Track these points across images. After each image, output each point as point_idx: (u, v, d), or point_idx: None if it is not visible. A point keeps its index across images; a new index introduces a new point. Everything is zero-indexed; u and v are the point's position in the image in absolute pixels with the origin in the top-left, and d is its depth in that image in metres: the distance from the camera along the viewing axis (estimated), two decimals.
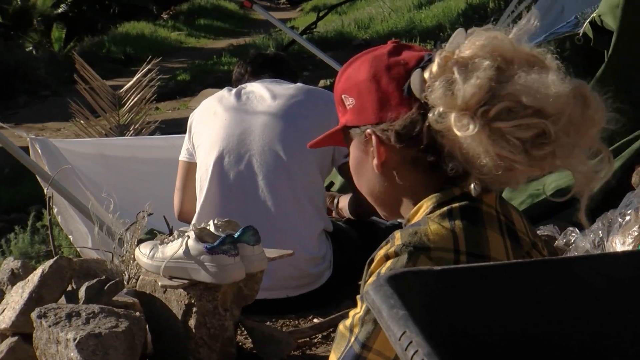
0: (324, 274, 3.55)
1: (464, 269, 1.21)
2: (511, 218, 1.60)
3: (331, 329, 3.23)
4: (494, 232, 1.55)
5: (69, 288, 2.89)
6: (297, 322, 3.40)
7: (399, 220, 3.74)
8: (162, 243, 2.85)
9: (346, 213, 3.80)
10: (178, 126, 7.74)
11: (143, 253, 2.87)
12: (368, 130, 1.59)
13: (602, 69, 3.97)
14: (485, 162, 1.48)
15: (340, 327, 1.53)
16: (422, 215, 1.57)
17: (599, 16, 4.18)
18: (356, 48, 13.15)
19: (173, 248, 2.78)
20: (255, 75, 3.77)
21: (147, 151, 4.86)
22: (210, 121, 3.57)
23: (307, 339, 3.21)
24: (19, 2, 17.37)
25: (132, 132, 7.18)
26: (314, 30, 15.46)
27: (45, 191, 3.94)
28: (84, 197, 4.12)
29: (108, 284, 2.82)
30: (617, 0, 4.08)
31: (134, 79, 7.67)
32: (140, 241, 3.03)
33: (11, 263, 3.10)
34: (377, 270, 1.52)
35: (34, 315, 2.67)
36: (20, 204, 7.78)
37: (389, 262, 1.50)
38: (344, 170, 3.50)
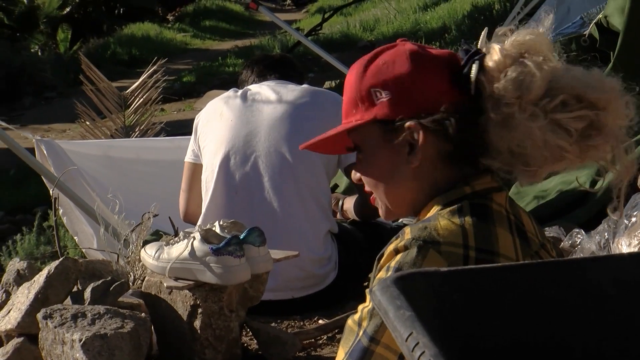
0: (330, 275, 3.55)
1: (471, 270, 1.21)
2: (521, 218, 1.61)
3: (336, 330, 3.23)
4: (504, 229, 1.56)
5: (75, 289, 2.89)
6: (302, 323, 3.40)
7: (404, 221, 3.74)
8: (167, 244, 2.85)
9: (351, 214, 3.80)
10: (183, 127, 7.74)
11: (148, 254, 2.87)
12: (410, 123, 1.58)
13: (608, 69, 3.96)
14: (539, 154, 1.53)
15: (349, 321, 1.54)
16: (433, 212, 1.58)
17: (605, 17, 4.17)
18: (361, 49, 13.14)
19: (179, 249, 2.78)
20: (262, 77, 3.77)
21: (152, 152, 4.86)
22: (216, 122, 3.57)
23: (313, 340, 3.21)
24: (25, 4, 17.39)
25: (137, 133, 7.18)
26: (320, 31, 15.46)
27: (50, 192, 3.94)
28: (89, 198, 4.12)
29: (113, 285, 2.82)
30: (623, 1, 4.08)
31: (140, 80, 7.67)
32: (145, 242, 3.03)
33: (17, 264, 3.10)
34: (387, 265, 1.53)
35: (39, 316, 2.68)
36: (26, 205, 7.78)
37: (398, 256, 1.51)
38: (350, 171, 3.50)
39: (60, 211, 4.21)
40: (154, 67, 7.61)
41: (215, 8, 21.98)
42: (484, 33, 1.62)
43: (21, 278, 3.03)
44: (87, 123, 7.21)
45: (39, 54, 16.20)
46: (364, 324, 1.50)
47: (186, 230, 2.92)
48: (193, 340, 2.79)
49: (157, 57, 7.95)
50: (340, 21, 17.13)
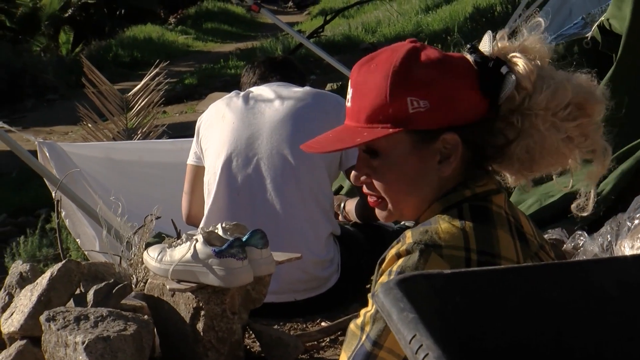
0: (332, 277, 3.55)
1: (473, 272, 1.21)
2: (519, 220, 1.62)
3: (339, 333, 3.23)
4: (504, 232, 1.56)
5: (78, 291, 2.89)
6: (304, 325, 3.40)
7: (406, 223, 3.74)
8: (170, 246, 2.85)
9: (353, 217, 3.79)
10: (185, 130, 7.75)
11: (151, 256, 2.87)
12: (450, 135, 1.57)
13: (611, 72, 3.97)
14: (545, 161, 1.59)
15: (351, 326, 1.54)
16: (433, 215, 1.58)
17: (607, 20, 4.17)
18: (363, 52, 13.14)
19: (181, 251, 2.78)
20: (264, 79, 3.77)
21: (155, 155, 4.86)
22: (218, 125, 3.57)
23: (315, 342, 3.21)
24: (29, 5, 17.40)
25: (139, 135, 7.19)
26: (321, 33, 15.46)
27: (53, 195, 3.94)
28: (91, 200, 4.12)
29: (116, 288, 2.82)
30: (625, 4, 4.08)
31: (142, 82, 7.68)
32: (148, 245, 3.03)
33: (20, 266, 3.10)
34: (389, 269, 1.53)
35: (42, 318, 2.68)
36: (28, 207, 7.79)
37: (400, 260, 1.51)
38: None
39: (63, 213, 4.21)
40: (156, 70, 7.62)
41: (217, 10, 21.99)
42: (487, 36, 1.63)
43: (24, 280, 3.03)
44: (89, 125, 7.21)
45: (41, 56, 16.21)
46: (367, 328, 1.50)
47: (189, 232, 2.92)
48: (195, 342, 2.79)
49: (159, 60, 7.96)
50: (342, 23, 17.13)
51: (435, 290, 1.06)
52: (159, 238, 3.58)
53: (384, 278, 1.54)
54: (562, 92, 1.57)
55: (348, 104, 1.64)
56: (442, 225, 1.54)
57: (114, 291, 2.82)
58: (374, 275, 1.60)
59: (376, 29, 16.02)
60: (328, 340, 3.23)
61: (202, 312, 2.78)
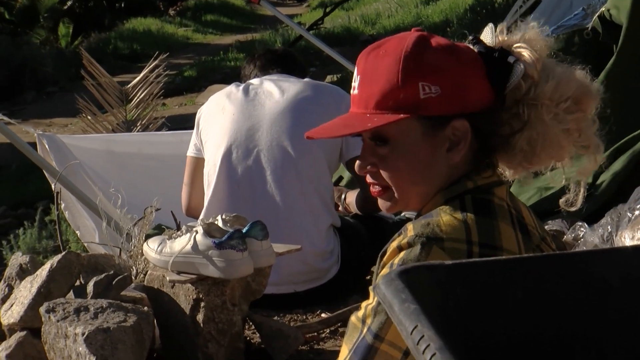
0: (332, 268, 3.55)
1: (475, 263, 1.21)
2: (521, 212, 1.62)
3: (339, 324, 3.23)
4: (506, 224, 1.56)
5: (77, 283, 2.89)
6: (304, 317, 3.40)
7: (407, 215, 3.73)
8: (170, 238, 2.85)
9: (353, 208, 3.79)
10: (185, 122, 7.74)
11: (151, 248, 2.87)
12: (460, 122, 1.56)
13: (611, 62, 3.96)
14: (545, 153, 1.59)
15: (352, 318, 1.53)
16: (435, 207, 1.57)
17: (608, 10, 4.16)
18: (363, 44, 13.13)
19: (181, 243, 2.78)
20: (264, 71, 3.76)
21: (154, 147, 4.86)
22: (218, 117, 3.56)
23: (315, 333, 3.21)
24: None
25: (139, 127, 7.18)
26: (321, 25, 15.44)
27: (52, 187, 3.94)
28: (91, 192, 4.12)
29: (116, 279, 2.82)
30: None
31: (141, 74, 7.67)
32: (148, 236, 3.03)
33: (20, 258, 3.10)
34: (390, 262, 1.52)
35: (42, 310, 2.68)
36: (28, 199, 7.79)
37: (402, 253, 1.51)
38: (352, 165, 3.50)
39: (62, 205, 4.21)
40: (156, 62, 7.61)
41: (216, 2, 21.96)
42: (489, 28, 1.62)
43: (24, 272, 3.03)
44: (89, 118, 7.21)
45: (41, 48, 16.19)
46: (368, 321, 1.50)
47: (188, 224, 2.91)
48: (196, 334, 2.79)
49: (158, 52, 7.94)
50: (341, 15, 17.11)
51: (437, 281, 1.06)
52: (158, 230, 3.58)
53: (385, 271, 1.53)
54: (566, 84, 1.57)
55: (355, 92, 1.61)
56: (444, 217, 1.53)
57: (113, 283, 2.82)
58: (374, 267, 1.59)
59: (376, 20, 16.00)
60: (328, 331, 3.23)
61: (202, 304, 2.78)
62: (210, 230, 2.78)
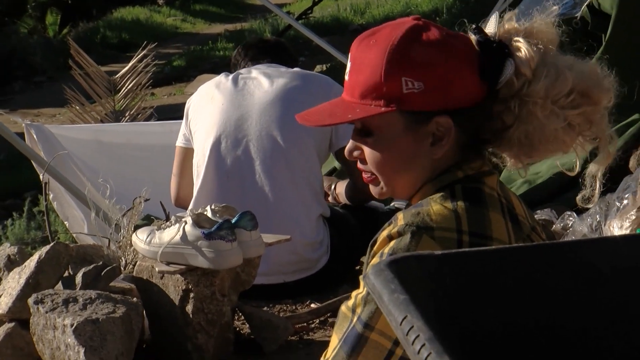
0: (321, 259, 3.55)
1: (465, 253, 1.21)
2: (511, 202, 1.62)
3: (329, 314, 3.23)
4: (496, 213, 1.56)
5: (66, 274, 2.88)
6: (294, 307, 3.40)
7: (396, 205, 3.73)
8: (159, 229, 2.84)
9: (343, 199, 3.79)
10: (174, 112, 7.72)
11: (140, 239, 2.86)
12: (443, 118, 1.55)
13: (600, 52, 3.96)
14: (543, 147, 1.58)
15: (343, 307, 1.53)
16: (425, 196, 1.57)
17: None
18: (352, 33, 13.11)
19: (170, 234, 2.77)
20: (254, 61, 3.75)
21: (143, 137, 4.84)
22: (207, 106, 3.55)
23: (305, 324, 3.21)
24: None
25: (127, 117, 7.16)
26: (310, 15, 15.42)
27: (41, 177, 3.92)
28: (80, 182, 4.10)
29: (105, 270, 2.82)
30: None
31: (130, 64, 7.65)
32: (137, 227, 3.02)
33: (8, 249, 3.09)
34: (381, 251, 1.52)
35: (30, 301, 2.67)
36: (16, 190, 7.77)
37: (392, 242, 1.51)
38: (342, 155, 3.49)
39: (51, 196, 4.19)
40: (144, 52, 7.59)
41: None
42: (494, 17, 1.61)
43: (12, 263, 3.01)
44: (77, 108, 7.19)
45: (29, 38, 16.12)
46: (358, 310, 1.50)
47: (177, 214, 2.91)
48: (185, 324, 2.79)
49: (147, 42, 7.92)
50: (330, 4, 17.08)
51: (427, 271, 1.06)
52: (147, 220, 3.57)
53: (375, 260, 1.53)
54: (562, 81, 1.55)
55: (346, 77, 1.62)
56: (434, 206, 1.53)
57: (102, 274, 2.81)
58: (364, 257, 1.59)
59: (365, 10, 15.98)
60: (318, 321, 3.23)
61: (192, 295, 2.78)
62: (199, 220, 2.78)
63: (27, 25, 17.09)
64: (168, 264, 2.79)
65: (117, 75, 7.60)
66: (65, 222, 4.42)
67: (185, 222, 2.77)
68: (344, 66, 1.68)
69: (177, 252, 2.76)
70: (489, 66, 1.55)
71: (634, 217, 2.96)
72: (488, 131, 1.59)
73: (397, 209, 2.95)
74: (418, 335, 0.96)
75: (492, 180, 1.60)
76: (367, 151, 1.61)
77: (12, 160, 8.47)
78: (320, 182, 3.59)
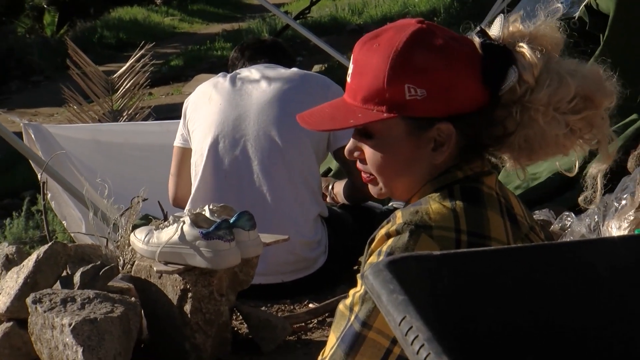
0: (319, 258, 3.55)
1: (463, 253, 1.21)
2: (510, 201, 1.62)
3: (327, 314, 3.23)
4: (495, 213, 1.56)
5: (64, 273, 2.88)
6: (292, 307, 3.40)
7: (394, 205, 3.73)
8: (157, 228, 2.84)
9: (341, 198, 3.79)
10: (172, 111, 7.72)
11: (138, 238, 2.86)
12: (445, 125, 1.55)
13: (598, 52, 3.96)
14: (543, 151, 1.58)
15: (340, 306, 1.53)
16: (424, 196, 1.57)
17: (595, 0, 4.17)
18: (350, 33, 13.11)
19: (168, 233, 2.77)
20: (252, 61, 3.75)
21: (141, 137, 4.84)
22: (205, 106, 3.55)
23: (303, 324, 3.21)
24: None
25: (125, 117, 7.16)
26: (308, 15, 15.41)
27: (39, 177, 3.92)
28: (78, 182, 4.10)
29: (103, 270, 2.82)
30: None
31: (127, 64, 7.64)
32: (135, 227, 3.02)
33: (6, 248, 3.09)
34: (378, 249, 1.52)
35: (29, 300, 2.67)
36: (14, 189, 7.76)
37: (390, 241, 1.51)
38: (340, 154, 3.50)
39: (49, 195, 4.19)
40: (142, 51, 7.58)
41: None
42: (499, 20, 1.60)
43: (10, 263, 3.01)
44: (74, 107, 7.18)
45: (26, 37, 16.10)
46: (356, 308, 1.50)
47: (176, 214, 2.91)
48: (183, 324, 2.79)
49: (144, 41, 7.91)
50: (328, 4, 17.07)
51: (425, 271, 1.06)
52: (145, 220, 3.57)
53: (373, 258, 1.53)
54: (564, 89, 1.54)
55: (348, 79, 1.61)
56: (433, 205, 1.53)
57: (100, 273, 2.81)
58: (362, 257, 1.59)
59: (363, 10, 15.97)
60: (316, 321, 3.23)
61: (190, 294, 2.78)
62: (197, 220, 2.78)
63: (25, 25, 17.07)
64: (166, 263, 2.79)
65: (114, 75, 7.59)
66: (63, 222, 4.41)
67: (184, 222, 2.77)
68: (342, 66, 1.68)
69: (175, 252, 2.76)
70: (492, 72, 1.55)
71: (632, 218, 2.96)
72: (489, 136, 1.59)
73: (395, 209, 2.95)
74: (417, 336, 0.96)
75: (491, 179, 1.60)
76: (368, 152, 1.60)
77: (10, 160, 8.46)
78: (318, 181, 3.59)
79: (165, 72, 12.78)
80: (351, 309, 1.51)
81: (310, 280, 3.52)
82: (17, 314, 2.77)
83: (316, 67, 10.47)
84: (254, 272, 2.95)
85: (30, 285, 2.77)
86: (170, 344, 2.83)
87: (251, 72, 3.63)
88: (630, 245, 1.22)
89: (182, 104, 3.70)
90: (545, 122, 1.55)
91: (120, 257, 3.03)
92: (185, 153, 3.61)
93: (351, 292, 1.53)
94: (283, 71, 3.63)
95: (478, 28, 1.60)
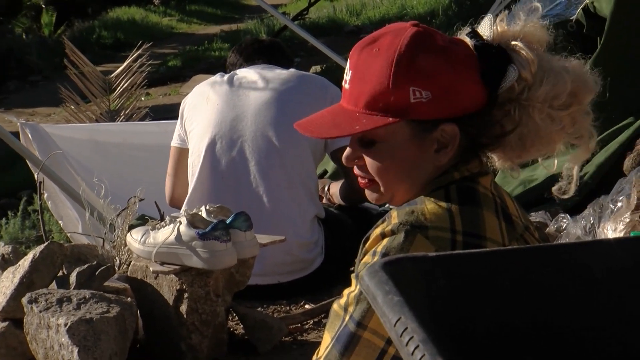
0: (316, 259, 3.55)
1: (459, 255, 1.21)
2: (505, 201, 1.62)
3: (323, 315, 3.23)
4: (490, 213, 1.56)
5: (60, 273, 2.88)
6: (288, 308, 3.40)
7: (391, 206, 3.74)
8: (153, 229, 2.84)
9: (337, 199, 3.79)
10: (169, 112, 7.71)
11: (134, 239, 2.86)
12: (450, 126, 1.55)
13: (595, 55, 3.97)
14: (535, 149, 1.59)
15: (335, 306, 1.53)
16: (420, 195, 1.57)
17: (592, 2, 4.17)
18: (348, 34, 13.13)
19: (165, 234, 2.77)
20: (250, 61, 3.75)
21: (139, 137, 4.84)
22: (202, 107, 3.55)
23: (299, 325, 3.21)
24: None
25: (122, 117, 7.16)
26: (306, 16, 15.41)
27: (35, 176, 3.92)
28: (74, 182, 4.10)
29: (99, 270, 2.81)
30: None
31: (125, 64, 7.63)
32: (131, 227, 3.02)
33: (2, 248, 3.09)
34: (373, 249, 1.52)
35: (24, 300, 2.66)
36: (11, 189, 7.75)
37: (385, 241, 1.50)
38: (337, 156, 3.50)
39: (45, 195, 4.19)
40: (139, 51, 7.57)
41: None
42: (487, 20, 1.61)
43: (6, 262, 3.01)
44: (72, 107, 7.18)
45: (24, 37, 16.10)
46: (350, 308, 1.50)
47: (172, 214, 2.91)
48: (179, 324, 2.79)
49: (142, 41, 7.91)
50: (326, 6, 17.08)
51: (421, 273, 1.06)
52: (142, 220, 3.57)
53: (367, 258, 1.53)
54: (561, 85, 1.55)
55: (346, 86, 1.60)
56: (429, 205, 1.53)
57: (96, 273, 2.81)
58: (357, 254, 1.59)
59: (361, 11, 15.98)
60: (312, 322, 3.23)
61: (186, 295, 2.78)
62: (194, 221, 2.78)
63: (23, 25, 17.06)
64: (162, 264, 2.79)
65: (112, 75, 7.59)
66: (60, 222, 4.41)
67: (180, 223, 2.77)
68: (340, 67, 1.67)
69: (172, 252, 2.76)
70: (491, 71, 1.55)
71: (628, 220, 2.96)
72: (488, 136, 1.59)
73: (392, 209, 2.95)
74: (412, 337, 0.96)
75: (487, 180, 1.61)
76: (369, 160, 1.59)
77: (7, 160, 8.45)
78: (315, 183, 3.59)
79: (162, 73, 12.79)
80: (346, 309, 1.51)
81: (306, 281, 3.52)
82: (13, 313, 2.77)
83: (314, 68, 10.47)
84: (250, 273, 2.95)
85: (26, 285, 2.77)
86: (167, 345, 2.83)
87: (249, 73, 3.63)
88: (626, 247, 1.22)
89: (179, 104, 3.70)
90: (540, 119, 1.56)
91: (117, 257, 3.03)
92: (183, 153, 3.61)
93: (345, 292, 1.53)
94: (281, 72, 3.63)
95: (469, 29, 1.60)
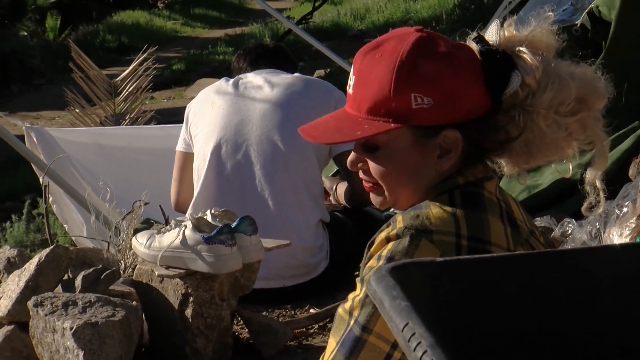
0: (321, 264, 3.55)
1: (465, 260, 1.21)
2: (510, 206, 1.62)
3: (328, 319, 3.23)
4: (495, 217, 1.56)
5: (66, 277, 2.88)
6: (293, 312, 3.40)
7: (396, 211, 3.74)
8: (159, 232, 2.85)
9: (342, 200, 3.80)
10: (174, 115, 7.73)
11: (140, 242, 2.87)
12: (452, 132, 1.55)
13: (600, 59, 3.96)
14: (542, 154, 1.59)
15: (340, 310, 1.53)
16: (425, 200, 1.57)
17: (597, 7, 4.17)
18: (352, 39, 13.14)
19: (170, 237, 2.78)
20: (254, 65, 3.76)
21: (144, 141, 4.84)
22: (207, 111, 3.56)
23: (304, 329, 3.21)
24: None
25: (127, 121, 7.17)
26: (310, 20, 15.43)
27: (40, 180, 3.92)
28: (80, 186, 4.10)
29: (104, 273, 2.82)
30: None
31: (130, 68, 7.65)
32: (136, 230, 3.02)
33: (7, 252, 3.09)
34: (378, 253, 1.52)
35: (30, 304, 2.67)
36: (16, 192, 7.76)
37: (390, 245, 1.51)
38: (340, 160, 3.50)
39: (50, 199, 4.19)
40: (144, 55, 7.59)
41: None
42: (494, 25, 1.61)
43: (11, 266, 3.01)
44: (77, 111, 7.19)
45: (28, 40, 16.12)
46: (355, 313, 1.50)
47: (177, 218, 2.91)
48: (184, 328, 2.79)
49: (147, 45, 7.92)
50: (330, 10, 17.10)
51: (428, 278, 1.06)
52: (147, 224, 3.57)
53: (372, 262, 1.53)
54: (566, 91, 1.55)
55: (350, 91, 1.60)
56: (434, 210, 1.53)
57: (102, 277, 2.81)
58: (362, 258, 1.59)
59: (365, 15, 15.99)
60: (317, 327, 3.23)
61: (191, 299, 2.78)
62: (199, 225, 2.78)
63: (27, 28, 17.09)
64: (167, 267, 2.80)
65: (117, 79, 7.60)
66: (65, 225, 4.42)
67: (185, 226, 2.77)
68: (344, 71, 1.68)
69: (177, 256, 2.76)
70: (495, 77, 1.55)
71: (633, 225, 2.96)
72: (492, 141, 1.59)
73: (397, 214, 2.95)
74: (420, 342, 0.96)
75: (492, 184, 1.61)
76: (372, 165, 1.60)
77: (12, 163, 8.46)
78: (320, 187, 3.59)
79: (167, 76, 12.80)
80: (351, 313, 1.51)
81: (311, 286, 3.52)
82: (19, 317, 2.77)
83: (318, 72, 10.49)
84: (255, 277, 2.95)
85: (31, 288, 2.78)
86: (171, 348, 2.83)
87: (254, 77, 3.63)
88: (631, 252, 1.22)
89: (184, 108, 3.70)
90: (546, 125, 1.55)
91: (122, 261, 3.03)
92: (188, 157, 3.61)
93: (350, 296, 1.53)
94: (286, 76, 3.64)
95: (475, 34, 1.60)
